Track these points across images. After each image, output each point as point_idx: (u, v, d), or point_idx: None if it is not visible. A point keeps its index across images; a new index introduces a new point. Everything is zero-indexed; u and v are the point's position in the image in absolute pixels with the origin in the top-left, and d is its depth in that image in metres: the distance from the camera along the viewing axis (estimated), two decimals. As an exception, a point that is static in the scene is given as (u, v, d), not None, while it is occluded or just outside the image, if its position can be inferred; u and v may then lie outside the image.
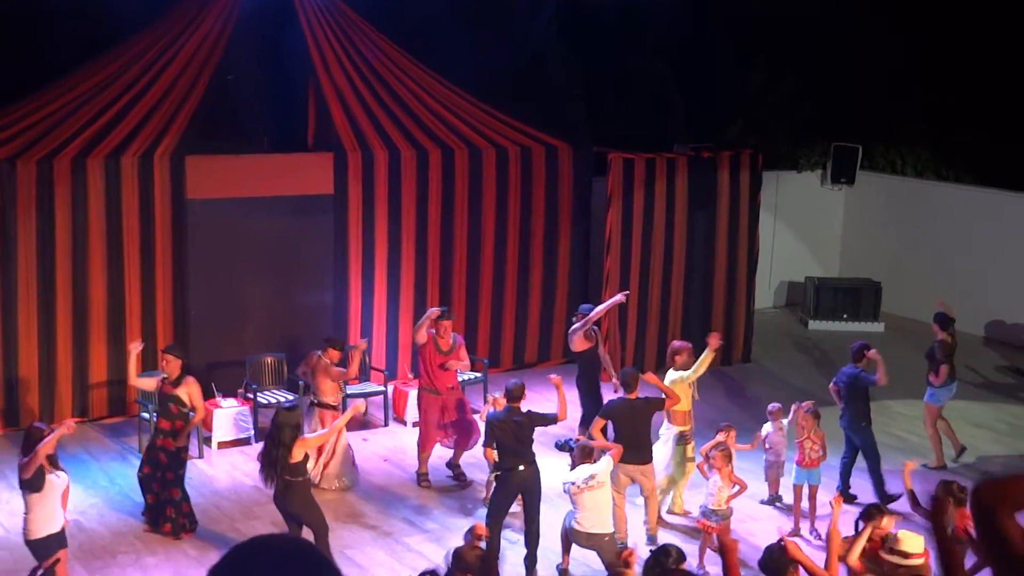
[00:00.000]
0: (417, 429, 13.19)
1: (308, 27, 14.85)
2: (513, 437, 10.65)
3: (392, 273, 15.44)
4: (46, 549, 9.46)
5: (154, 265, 14.10)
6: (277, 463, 10.07)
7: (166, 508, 11.24)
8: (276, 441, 10.11)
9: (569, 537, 10.29)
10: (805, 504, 11.63)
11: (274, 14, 14.71)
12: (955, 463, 13.24)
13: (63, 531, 9.60)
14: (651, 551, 8.54)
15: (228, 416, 13.36)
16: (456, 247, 15.86)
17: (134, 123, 13.95)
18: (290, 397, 13.78)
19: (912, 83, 19.91)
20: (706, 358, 11.95)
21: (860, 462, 12.31)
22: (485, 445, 10.77)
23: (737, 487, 10.74)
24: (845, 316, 19.19)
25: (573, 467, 10.33)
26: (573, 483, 10.11)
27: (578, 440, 11.18)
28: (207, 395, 13.54)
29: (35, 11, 13.70)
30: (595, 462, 10.22)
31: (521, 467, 10.57)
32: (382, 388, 14.49)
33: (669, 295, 16.47)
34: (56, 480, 9.43)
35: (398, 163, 15.34)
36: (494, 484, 11.07)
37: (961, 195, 19.38)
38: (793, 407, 11.79)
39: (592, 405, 12.89)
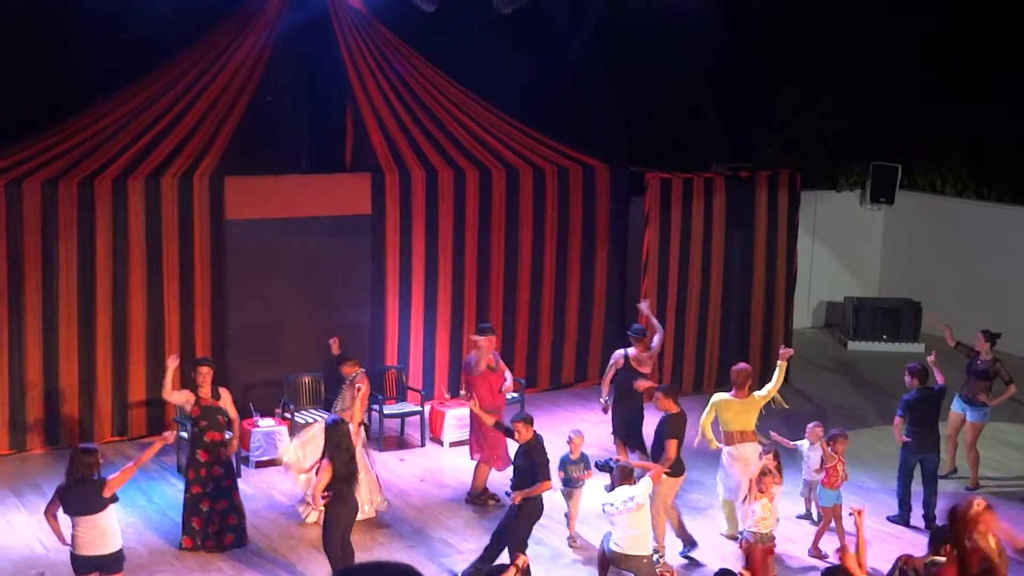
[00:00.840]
0: (454, 447, 13.33)
1: (346, 48, 14.94)
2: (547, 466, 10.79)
3: (429, 293, 15.47)
4: (119, 563, 9.54)
5: (193, 285, 14.19)
6: (356, 474, 10.41)
7: (228, 517, 11.38)
8: (352, 455, 10.37)
9: (606, 558, 10.24)
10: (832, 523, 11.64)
11: (312, 36, 14.80)
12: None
13: None
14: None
15: (265, 435, 13.39)
16: (493, 267, 15.87)
17: (174, 144, 14.07)
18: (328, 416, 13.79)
19: (949, 101, 19.78)
20: (781, 369, 12.00)
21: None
22: (546, 479, 10.64)
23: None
24: (885, 336, 19.05)
25: (612, 487, 10.26)
26: (612, 504, 10.05)
27: (617, 460, 11.11)
28: (244, 414, 13.61)
29: (76, 34, 13.86)
30: (635, 483, 10.16)
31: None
32: (419, 408, 14.49)
33: (707, 315, 16.40)
34: None
35: (435, 183, 15.38)
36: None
37: (1001, 214, 19.23)
38: (831, 436, 11.65)
39: (633, 424, 12.86)
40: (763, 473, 10.60)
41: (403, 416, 14.54)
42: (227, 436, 11.50)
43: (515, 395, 14.79)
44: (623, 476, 10.19)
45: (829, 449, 11.55)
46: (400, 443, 14.32)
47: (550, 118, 16.86)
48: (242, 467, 13.15)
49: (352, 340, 14.94)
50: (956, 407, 13.41)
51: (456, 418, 14.18)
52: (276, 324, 14.68)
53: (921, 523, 12.11)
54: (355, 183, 15.04)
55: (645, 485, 10.18)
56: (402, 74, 15.28)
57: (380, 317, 15.23)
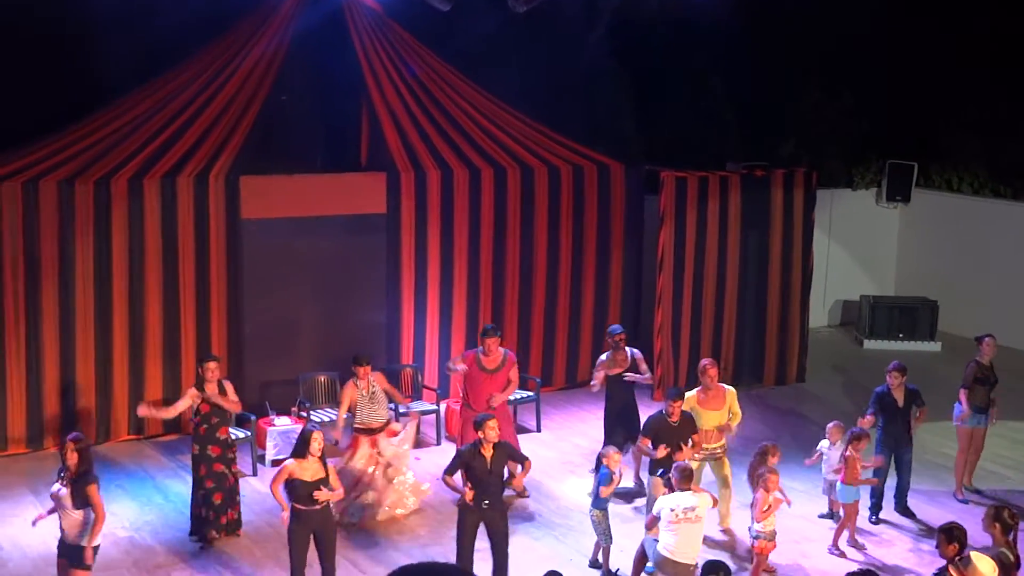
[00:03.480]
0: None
1: (361, 47, 14.94)
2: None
3: (444, 292, 15.48)
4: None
5: (209, 284, 14.23)
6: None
7: (234, 509, 11.56)
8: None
9: (648, 558, 10.14)
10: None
11: (327, 35, 14.81)
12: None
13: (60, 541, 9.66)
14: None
15: (281, 434, 13.40)
16: (508, 266, 15.87)
17: (189, 144, 14.10)
18: (344, 415, 13.83)
19: (966, 99, 19.71)
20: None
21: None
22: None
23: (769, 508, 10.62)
24: (901, 335, 18.99)
25: (672, 490, 10.05)
26: (673, 511, 9.80)
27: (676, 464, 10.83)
28: (261, 413, 13.64)
29: (92, 34, 13.88)
30: (695, 488, 9.99)
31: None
32: (434, 407, 14.49)
33: (722, 314, 16.38)
34: (56, 491, 9.55)
35: (450, 182, 15.39)
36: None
37: (1018, 212, 19.14)
38: (851, 435, 11.60)
39: (621, 431, 12.78)
40: (769, 471, 10.58)
41: (419, 415, 14.52)
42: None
43: (530, 394, 14.82)
44: (684, 478, 9.93)
45: (848, 448, 11.51)
46: (416, 442, 14.32)
47: (565, 117, 16.84)
48: (258, 465, 13.19)
49: (367, 339, 14.98)
50: (979, 423, 12.82)
51: (472, 417, 14.15)
52: (292, 323, 14.71)
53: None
54: (370, 182, 15.06)
55: (708, 502, 10.02)
56: (417, 73, 15.28)
57: (395, 316, 15.24)
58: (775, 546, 10.69)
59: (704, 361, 12.26)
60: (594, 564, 11.07)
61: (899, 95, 19.82)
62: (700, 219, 16.04)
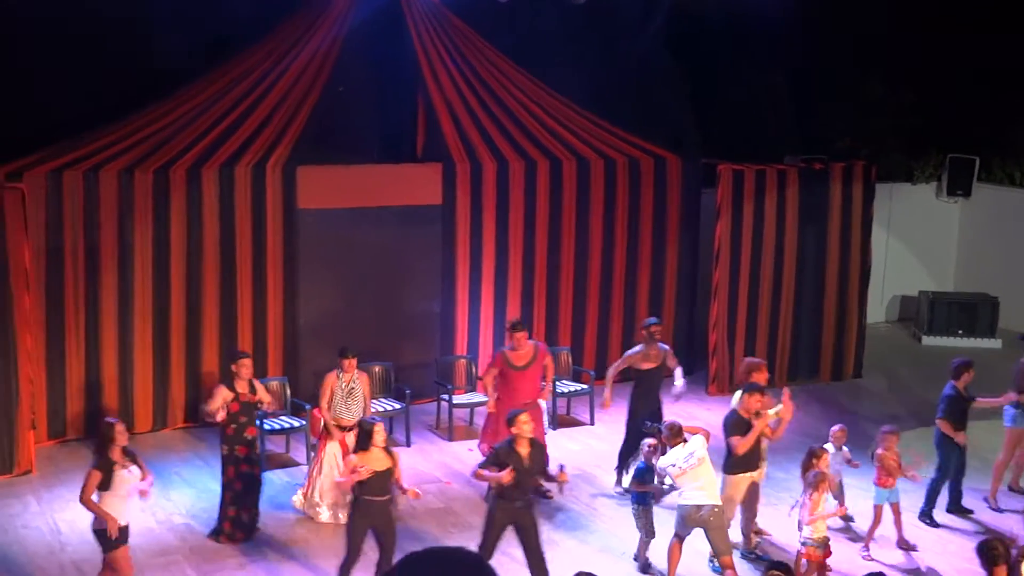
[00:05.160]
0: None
1: (418, 39, 14.95)
2: None
3: (499, 284, 15.48)
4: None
5: (265, 273, 14.32)
6: None
7: (256, 507, 11.47)
8: None
9: (677, 525, 10.19)
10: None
11: (384, 26, 14.83)
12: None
13: (126, 527, 9.61)
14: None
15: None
16: (563, 258, 15.84)
17: (247, 134, 14.18)
18: (397, 406, 13.88)
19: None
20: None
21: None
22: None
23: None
24: (960, 332, 18.76)
25: (664, 451, 10.44)
26: (674, 465, 10.14)
27: (666, 423, 10.89)
28: (315, 403, 13.69)
29: (152, 24, 13.99)
30: (687, 441, 10.32)
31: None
32: (487, 398, 14.45)
33: (779, 309, 16.26)
34: (127, 475, 9.49)
35: (506, 174, 15.38)
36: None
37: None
38: (882, 434, 11.39)
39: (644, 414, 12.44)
40: (821, 474, 10.39)
41: (472, 406, 14.55)
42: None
43: (584, 387, 14.78)
44: (673, 435, 10.39)
45: (880, 448, 11.29)
46: (469, 433, 14.33)
47: (621, 109, 16.75)
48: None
49: (421, 330, 15.02)
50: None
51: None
52: (347, 313, 14.75)
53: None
54: (426, 173, 15.08)
55: (701, 440, 10.34)
56: (474, 65, 15.21)
57: (450, 307, 15.27)
58: (827, 555, 10.38)
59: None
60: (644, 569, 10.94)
61: (960, 88, 19.55)
62: (757, 212, 15.93)
